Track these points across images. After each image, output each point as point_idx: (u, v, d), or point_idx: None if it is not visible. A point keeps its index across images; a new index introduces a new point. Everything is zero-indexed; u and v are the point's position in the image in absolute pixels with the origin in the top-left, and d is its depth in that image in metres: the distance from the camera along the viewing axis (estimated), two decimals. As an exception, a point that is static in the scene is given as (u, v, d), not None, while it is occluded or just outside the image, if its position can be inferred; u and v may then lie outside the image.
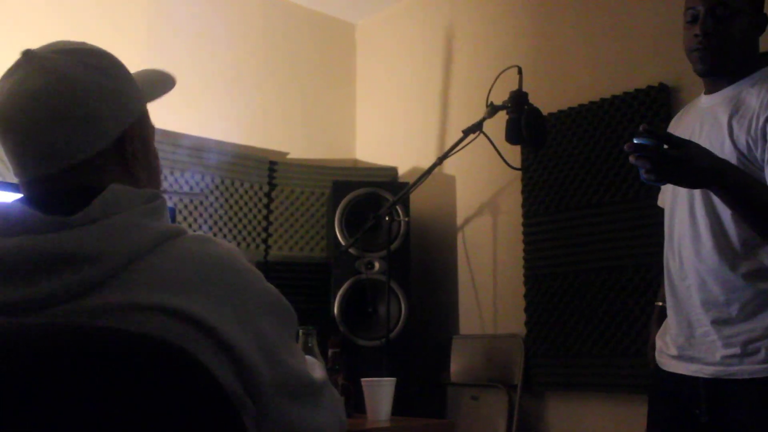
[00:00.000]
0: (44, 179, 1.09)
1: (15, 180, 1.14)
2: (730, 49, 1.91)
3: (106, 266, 0.98)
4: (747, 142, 1.82)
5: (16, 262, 0.99)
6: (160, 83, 1.29)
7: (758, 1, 1.95)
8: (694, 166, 1.67)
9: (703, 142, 1.91)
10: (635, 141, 1.64)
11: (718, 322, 1.86)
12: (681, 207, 1.98)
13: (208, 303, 1.00)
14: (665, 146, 1.65)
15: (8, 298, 0.98)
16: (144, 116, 1.20)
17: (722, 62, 1.92)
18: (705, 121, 1.95)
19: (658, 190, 2.24)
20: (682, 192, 1.97)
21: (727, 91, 1.94)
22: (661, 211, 2.15)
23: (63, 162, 1.08)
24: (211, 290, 1.02)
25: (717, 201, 1.87)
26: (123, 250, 1.00)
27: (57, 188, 1.09)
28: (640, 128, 1.65)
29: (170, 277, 1.01)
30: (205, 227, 3.78)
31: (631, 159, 1.65)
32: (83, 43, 1.17)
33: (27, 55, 1.11)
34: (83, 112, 1.08)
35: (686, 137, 1.98)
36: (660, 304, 2.23)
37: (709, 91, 2.01)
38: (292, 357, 1.09)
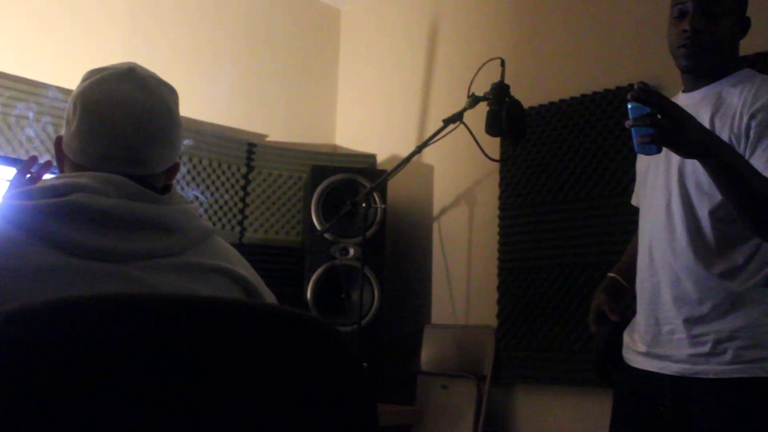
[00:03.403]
0: (123, 174, 1.26)
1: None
2: (716, 47, 1.91)
3: (189, 238, 1.25)
4: (730, 140, 1.83)
5: (120, 218, 1.18)
6: None
7: (743, 4, 1.97)
8: (693, 128, 1.66)
9: None
10: (630, 106, 1.61)
11: (689, 320, 1.87)
12: (657, 203, 1.98)
13: (247, 272, 1.32)
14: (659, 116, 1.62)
15: (112, 246, 1.16)
16: None
17: (707, 60, 1.93)
18: None
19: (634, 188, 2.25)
20: (660, 188, 1.98)
21: (707, 90, 1.95)
22: (638, 209, 2.16)
23: (148, 170, 1.29)
24: (247, 268, 1.35)
25: (695, 201, 1.88)
26: (198, 230, 1.28)
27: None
28: (635, 86, 1.62)
29: (226, 255, 1.32)
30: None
31: (628, 123, 1.64)
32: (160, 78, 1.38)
33: (133, 71, 1.31)
34: (171, 139, 1.33)
35: None
36: (611, 275, 2.21)
37: (688, 89, 2.01)
38: None
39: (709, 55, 1.92)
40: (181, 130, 1.38)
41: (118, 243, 1.17)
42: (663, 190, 1.97)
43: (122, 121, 1.27)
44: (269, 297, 1.37)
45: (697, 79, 1.98)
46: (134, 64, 1.34)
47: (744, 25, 1.97)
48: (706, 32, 1.89)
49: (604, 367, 2.12)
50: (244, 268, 1.34)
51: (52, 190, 1.18)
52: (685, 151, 1.73)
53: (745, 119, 1.82)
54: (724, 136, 1.83)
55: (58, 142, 1.35)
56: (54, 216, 1.14)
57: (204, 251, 1.27)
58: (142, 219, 1.21)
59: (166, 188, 1.32)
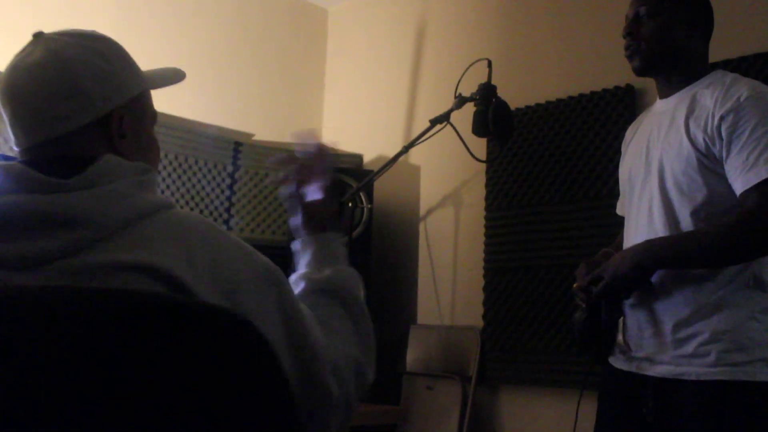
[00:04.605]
0: (34, 148, 1.14)
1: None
2: (653, 45, 1.97)
3: (97, 230, 1.03)
4: (704, 141, 1.86)
5: (11, 218, 1.03)
6: (168, 74, 1.34)
7: (682, 3, 1.99)
8: (623, 265, 1.89)
9: (662, 143, 1.94)
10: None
11: (672, 323, 1.88)
12: (640, 209, 2.00)
13: (189, 268, 1.03)
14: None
15: (1, 253, 1.01)
16: (140, 101, 1.24)
17: (650, 59, 1.99)
18: (662, 123, 1.98)
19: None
20: (641, 194, 1.99)
21: (681, 94, 1.98)
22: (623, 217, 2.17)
23: (49, 132, 1.13)
24: (194, 256, 1.05)
25: (676, 204, 1.89)
26: (115, 216, 1.04)
27: (48, 156, 1.13)
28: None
29: (156, 242, 1.04)
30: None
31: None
32: (92, 31, 1.23)
33: (37, 36, 1.18)
34: (70, 86, 1.13)
35: (645, 140, 2.02)
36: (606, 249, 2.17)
37: (664, 95, 2.06)
38: (272, 325, 1.11)
39: (649, 54, 1.98)
40: (93, 78, 1.15)
41: (4, 249, 1.02)
42: (645, 196, 1.98)
43: (11, 85, 1.15)
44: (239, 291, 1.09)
45: (668, 84, 2.03)
46: (45, 32, 1.21)
47: (696, 21, 1.99)
48: (639, 34, 1.99)
49: (586, 336, 2.04)
50: (183, 250, 1.05)
51: None
52: (637, 283, 1.92)
53: (716, 120, 1.85)
54: (699, 138, 1.87)
55: None
56: None
57: (124, 243, 1.03)
58: (34, 216, 1.03)
59: (85, 162, 1.09)
